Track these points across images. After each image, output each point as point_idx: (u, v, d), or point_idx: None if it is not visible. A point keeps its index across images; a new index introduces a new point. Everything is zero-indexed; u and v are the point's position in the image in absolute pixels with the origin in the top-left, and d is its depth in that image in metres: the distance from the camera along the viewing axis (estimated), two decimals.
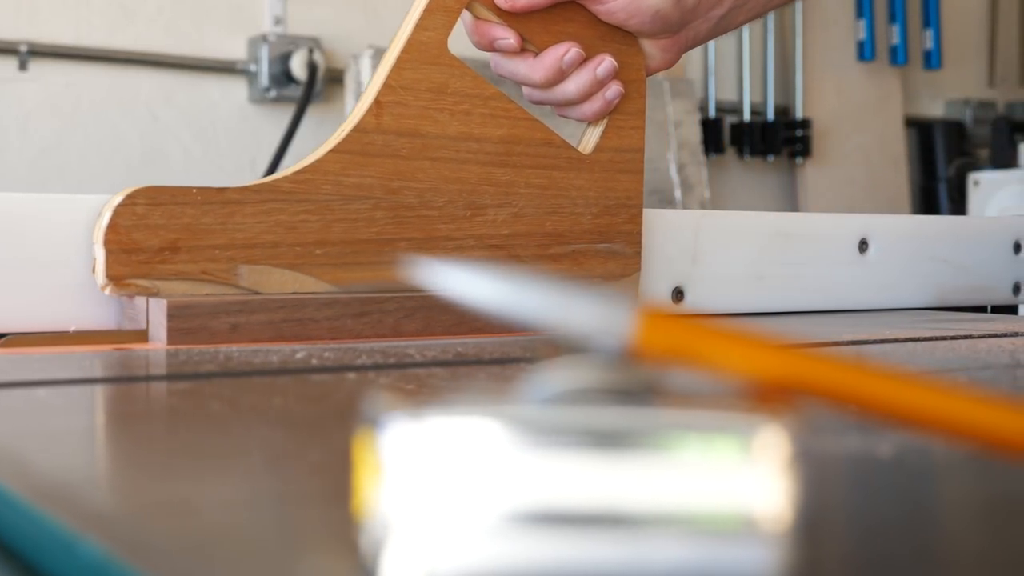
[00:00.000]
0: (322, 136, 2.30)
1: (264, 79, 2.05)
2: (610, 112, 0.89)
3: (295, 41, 2.07)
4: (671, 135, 2.31)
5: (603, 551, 0.23)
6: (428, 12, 0.82)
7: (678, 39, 0.90)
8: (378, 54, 2.01)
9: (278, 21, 2.08)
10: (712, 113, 2.49)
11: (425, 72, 0.82)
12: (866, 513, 0.30)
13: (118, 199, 0.73)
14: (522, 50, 0.84)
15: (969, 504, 0.32)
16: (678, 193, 2.30)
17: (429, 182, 0.83)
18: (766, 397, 0.25)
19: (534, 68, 0.84)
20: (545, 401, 0.24)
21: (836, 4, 2.65)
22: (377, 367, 0.64)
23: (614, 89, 0.87)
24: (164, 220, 0.74)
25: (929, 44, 2.65)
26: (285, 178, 0.79)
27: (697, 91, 2.45)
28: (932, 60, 2.63)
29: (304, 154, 2.27)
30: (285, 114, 2.05)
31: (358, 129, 0.80)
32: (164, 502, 0.31)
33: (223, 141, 2.06)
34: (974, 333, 0.86)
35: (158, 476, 0.35)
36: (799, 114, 2.56)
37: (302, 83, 2.04)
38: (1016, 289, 1.20)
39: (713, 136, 2.44)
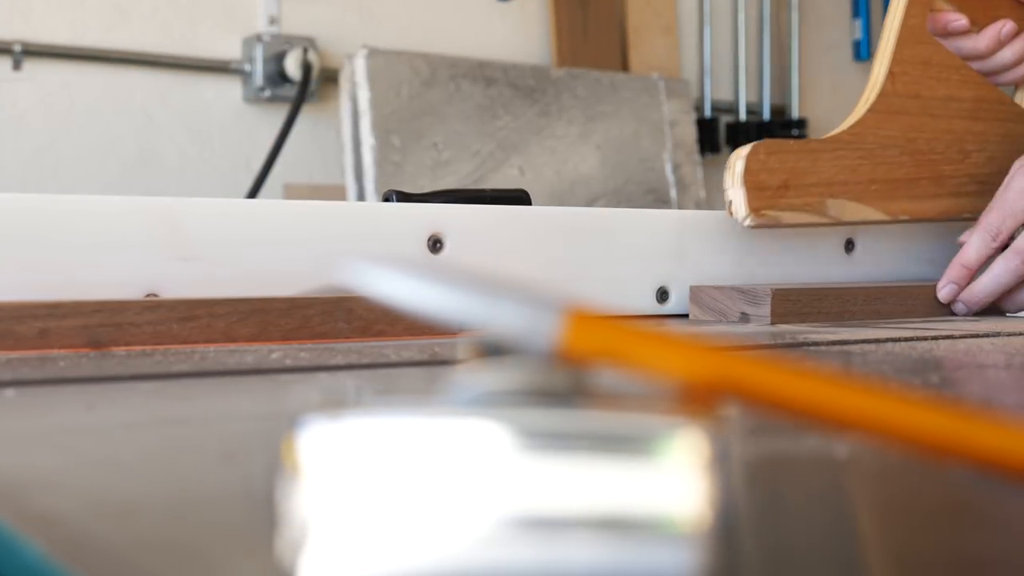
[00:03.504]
0: (317, 136, 2.30)
1: (259, 79, 2.05)
2: None
3: (290, 41, 2.07)
4: (667, 135, 2.31)
5: (521, 552, 0.23)
6: (911, 3, 1.06)
7: None
8: (373, 54, 2.01)
9: (273, 21, 2.08)
10: (708, 113, 2.49)
11: (916, 49, 1.06)
12: (786, 515, 0.30)
13: (745, 151, 0.95)
14: (967, 31, 1.08)
15: (892, 506, 0.32)
16: (673, 193, 2.30)
17: (932, 133, 1.07)
18: (694, 399, 0.25)
19: (978, 41, 1.08)
20: (469, 402, 0.24)
21: (832, 4, 2.65)
22: (351, 367, 0.64)
23: None
24: (777, 164, 0.96)
25: None
26: (845, 132, 1.02)
27: (693, 91, 2.45)
28: None
29: (300, 154, 2.27)
30: (280, 114, 2.05)
31: (882, 93, 1.04)
32: (108, 502, 0.31)
33: (218, 141, 2.06)
34: (955, 333, 0.85)
35: (105, 477, 0.35)
36: (795, 114, 2.56)
37: (297, 83, 2.04)
38: None
39: (709, 136, 2.44)
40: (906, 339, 0.82)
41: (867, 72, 3.00)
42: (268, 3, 2.08)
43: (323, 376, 0.60)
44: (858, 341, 0.81)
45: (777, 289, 0.92)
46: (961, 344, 0.79)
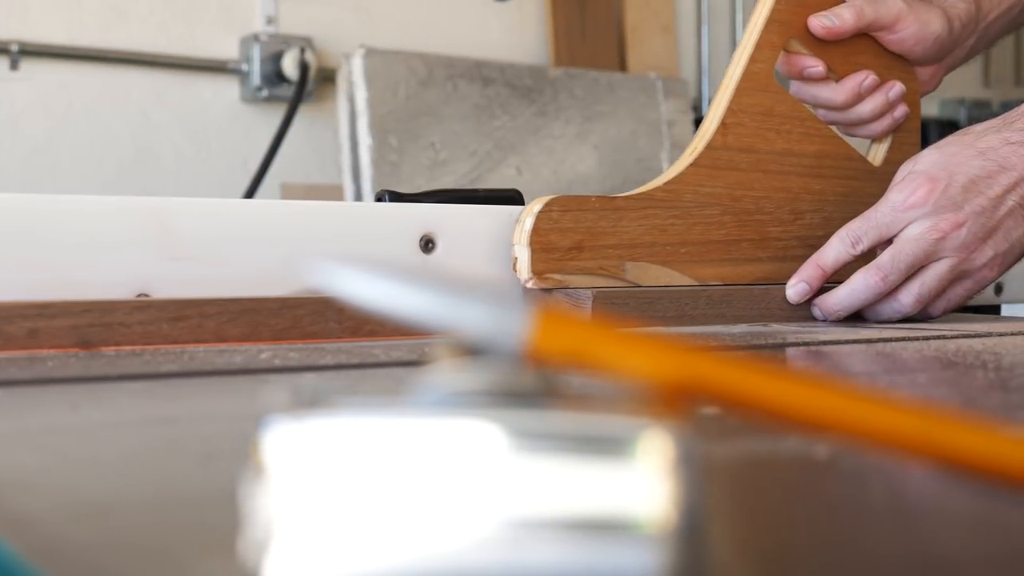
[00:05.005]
0: (314, 135, 2.31)
1: (256, 79, 2.05)
2: (894, 130, 1.04)
3: (287, 41, 2.07)
4: (664, 135, 2.31)
5: (486, 552, 0.23)
6: (758, 47, 0.97)
7: (942, 65, 1.06)
8: (370, 53, 2.01)
9: (270, 20, 2.08)
10: (705, 113, 2.49)
11: (757, 98, 0.97)
12: (752, 515, 0.30)
13: (537, 207, 0.87)
14: (825, 78, 0.99)
15: (861, 505, 0.33)
16: None
17: (762, 191, 0.98)
18: (661, 400, 0.25)
19: (836, 92, 1.00)
20: (437, 403, 0.24)
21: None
22: (340, 367, 0.64)
23: (902, 110, 1.02)
24: (572, 224, 0.88)
25: None
26: (658, 188, 0.93)
27: (691, 91, 2.44)
28: None
29: (297, 154, 2.27)
30: (277, 114, 2.05)
31: (710, 147, 0.95)
32: (84, 503, 0.32)
33: (215, 141, 2.06)
34: (948, 333, 0.85)
35: (84, 477, 0.35)
36: None
37: (294, 83, 2.04)
38: (998, 289, 1.20)
39: None
40: (897, 339, 0.82)
41: None
42: (265, 3, 2.08)
43: (311, 376, 0.60)
44: (848, 341, 0.81)
45: (600, 291, 0.87)
46: (951, 344, 0.79)
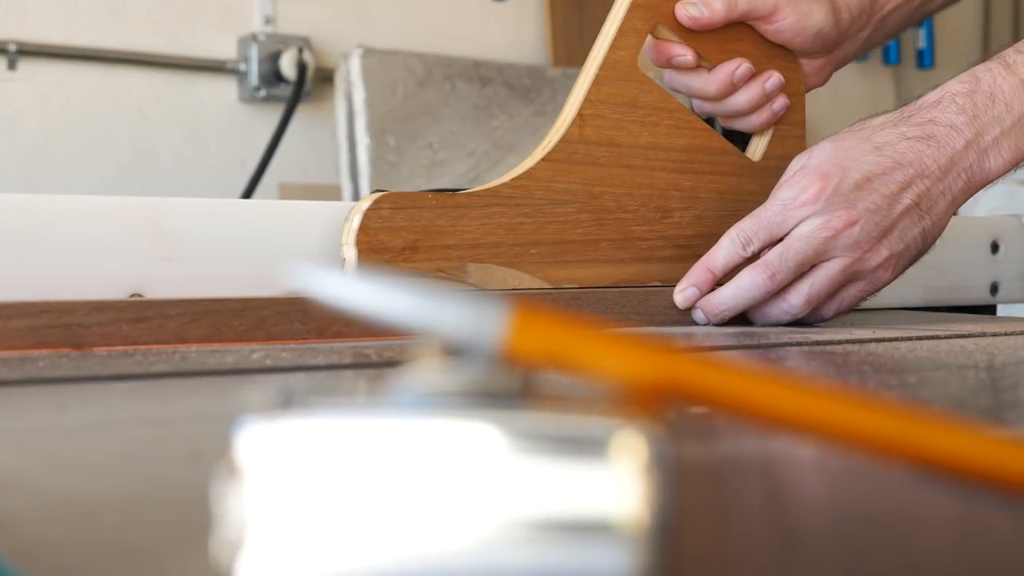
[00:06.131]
0: (312, 135, 2.30)
1: (254, 78, 2.06)
2: (775, 123, 0.97)
3: (285, 40, 2.07)
4: None
5: (459, 553, 0.23)
6: (621, 34, 0.90)
7: (831, 58, 1.00)
8: (368, 53, 2.01)
9: (268, 20, 2.09)
10: None
11: (619, 87, 0.90)
12: (725, 517, 0.30)
13: (366, 204, 0.80)
14: (697, 66, 0.93)
15: (834, 507, 0.33)
16: None
17: (624, 187, 0.91)
18: (638, 400, 0.25)
19: (708, 82, 0.93)
20: (412, 403, 0.24)
21: None
22: (331, 367, 0.64)
23: (780, 101, 0.96)
24: (405, 222, 0.81)
25: (921, 44, 2.65)
26: (504, 184, 0.86)
27: None
28: (925, 60, 2.63)
29: (296, 154, 2.27)
30: (275, 113, 2.05)
31: (564, 140, 0.88)
32: (65, 503, 0.32)
33: (213, 140, 2.06)
34: (941, 334, 0.85)
35: (65, 477, 0.35)
36: None
37: (292, 83, 2.04)
38: (994, 289, 1.20)
39: None
40: (889, 339, 0.82)
41: (864, 72, 3.00)
42: (263, 3, 2.08)
43: (300, 376, 0.60)
44: (841, 342, 0.81)
45: None
46: (943, 345, 0.79)
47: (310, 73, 2.06)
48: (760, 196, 0.93)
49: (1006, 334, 0.86)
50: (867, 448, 0.26)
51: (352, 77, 2.02)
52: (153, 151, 2.01)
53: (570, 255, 0.89)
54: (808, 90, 0.99)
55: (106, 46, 1.98)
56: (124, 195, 0.78)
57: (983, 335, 0.85)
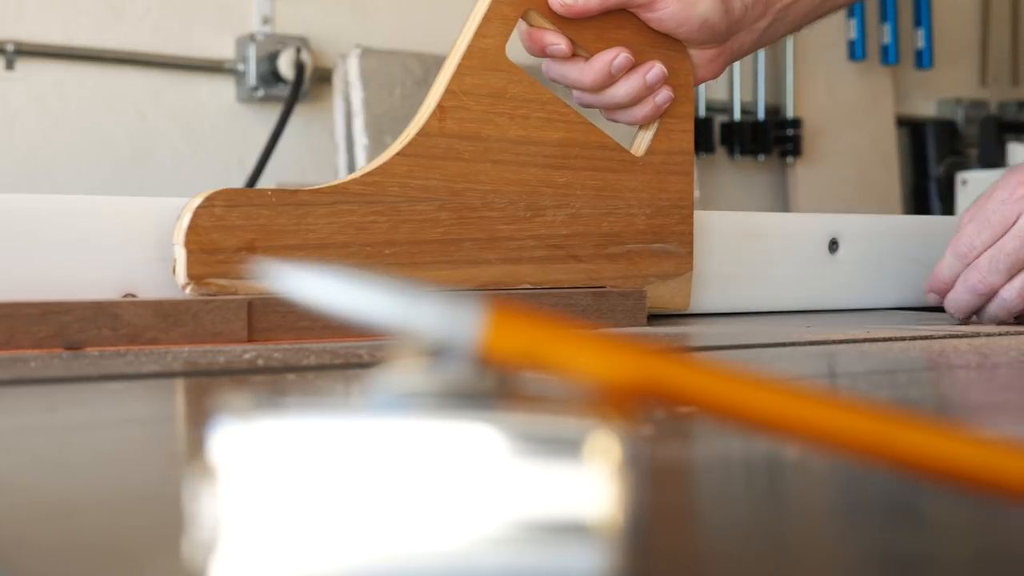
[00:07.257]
0: (310, 135, 2.30)
1: (252, 78, 2.05)
2: (660, 116, 0.92)
3: (283, 40, 2.07)
4: None
5: (432, 554, 0.23)
6: (487, 20, 0.85)
7: (723, 50, 0.94)
8: (366, 53, 2.01)
9: (266, 20, 2.08)
10: (702, 112, 2.49)
11: (485, 78, 0.86)
12: (699, 517, 0.30)
13: (197, 201, 0.75)
14: (573, 55, 0.88)
15: (813, 506, 0.33)
16: None
17: (491, 184, 0.86)
18: (614, 401, 0.25)
19: (584, 72, 0.88)
20: (387, 404, 0.24)
21: None
22: (321, 367, 0.64)
23: (664, 94, 0.90)
24: (241, 221, 0.76)
25: (920, 43, 2.64)
26: (354, 180, 0.82)
27: None
28: (923, 59, 2.63)
29: (294, 153, 2.27)
30: (273, 113, 2.05)
31: (422, 133, 0.83)
32: (47, 503, 0.32)
33: (211, 140, 2.06)
34: (935, 334, 0.85)
35: (49, 477, 0.35)
36: (790, 113, 2.55)
37: (290, 82, 2.04)
38: None
39: (703, 135, 2.44)
40: (883, 339, 0.82)
41: (863, 71, 2.99)
42: (261, 3, 2.08)
43: (291, 377, 0.60)
44: (835, 342, 0.81)
45: (259, 299, 0.75)
46: (936, 345, 0.79)
47: (308, 73, 2.06)
48: (643, 193, 0.91)
49: (1000, 334, 0.87)
50: (846, 449, 0.26)
51: (350, 77, 2.02)
52: (151, 151, 2.01)
53: (429, 256, 0.83)
54: (700, 82, 0.95)
55: (104, 46, 1.98)
56: (122, 195, 0.77)
57: (977, 335, 0.85)
